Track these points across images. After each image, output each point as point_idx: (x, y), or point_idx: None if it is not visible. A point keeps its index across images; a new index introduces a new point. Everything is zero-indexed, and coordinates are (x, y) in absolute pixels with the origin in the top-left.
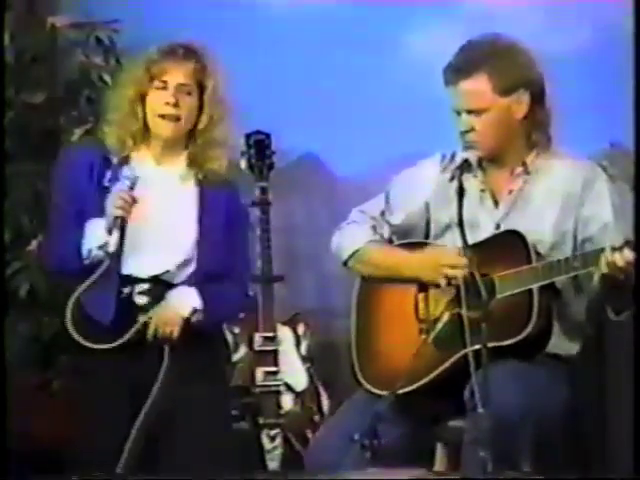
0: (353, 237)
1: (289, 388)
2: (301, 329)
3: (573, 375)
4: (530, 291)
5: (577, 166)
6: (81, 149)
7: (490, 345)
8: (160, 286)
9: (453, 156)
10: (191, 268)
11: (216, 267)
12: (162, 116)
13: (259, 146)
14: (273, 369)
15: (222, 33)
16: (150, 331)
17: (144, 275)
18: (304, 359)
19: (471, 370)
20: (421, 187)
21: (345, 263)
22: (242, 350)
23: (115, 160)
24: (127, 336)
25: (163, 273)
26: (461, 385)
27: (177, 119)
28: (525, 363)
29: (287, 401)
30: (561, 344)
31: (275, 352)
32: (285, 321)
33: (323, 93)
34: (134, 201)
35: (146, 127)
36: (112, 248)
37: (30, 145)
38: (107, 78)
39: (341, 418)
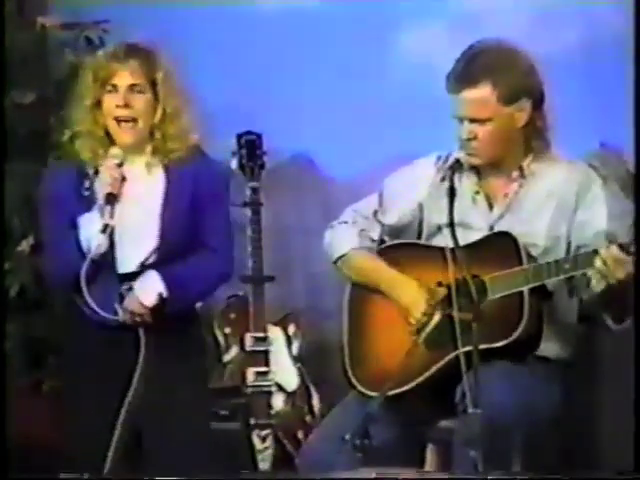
0: (341, 241)
1: (280, 388)
2: (292, 329)
3: (564, 376)
4: (521, 293)
5: (572, 170)
6: (57, 167)
7: (481, 347)
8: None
9: (448, 157)
10: (158, 254)
11: (183, 244)
12: (117, 119)
13: (250, 146)
14: (264, 369)
15: (214, 32)
16: (121, 320)
17: (131, 270)
18: (295, 359)
19: (462, 371)
20: (415, 187)
21: (334, 262)
22: (233, 350)
23: (91, 171)
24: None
25: (145, 259)
26: (452, 386)
27: (133, 120)
28: (516, 364)
29: (278, 401)
30: (552, 346)
31: (266, 352)
32: (276, 321)
33: (315, 93)
34: (123, 179)
35: (109, 132)
36: (110, 226)
37: (20, 145)
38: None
39: (332, 419)
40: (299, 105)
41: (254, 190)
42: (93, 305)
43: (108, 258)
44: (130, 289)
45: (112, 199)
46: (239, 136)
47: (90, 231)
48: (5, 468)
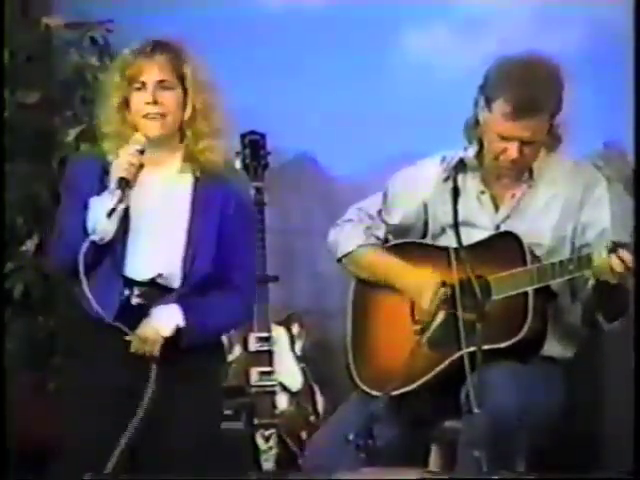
0: (347, 238)
1: (284, 388)
2: (296, 329)
3: (568, 376)
4: (525, 293)
5: (578, 170)
6: (84, 157)
7: (485, 347)
8: (156, 289)
9: (452, 158)
10: (182, 274)
11: (208, 273)
12: (145, 116)
13: (254, 146)
14: (268, 369)
15: (218, 32)
16: (132, 349)
17: (140, 278)
18: (299, 359)
19: (466, 372)
20: (420, 188)
21: (339, 260)
22: (237, 350)
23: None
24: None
25: (157, 277)
26: (456, 386)
27: (162, 116)
28: (520, 364)
29: (282, 401)
30: (556, 347)
31: (270, 352)
32: (280, 321)
33: (318, 93)
34: (141, 166)
35: (138, 130)
36: (117, 211)
37: (25, 145)
38: (102, 78)
39: (337, 419)
40: (303, 105)
41: (258, 190)
42: (88, 294)
43: (116, 254)
44: (147, 315)
45: (124, 184)
46: (243, 136)
47: (97, 214)
48: (6, 468)
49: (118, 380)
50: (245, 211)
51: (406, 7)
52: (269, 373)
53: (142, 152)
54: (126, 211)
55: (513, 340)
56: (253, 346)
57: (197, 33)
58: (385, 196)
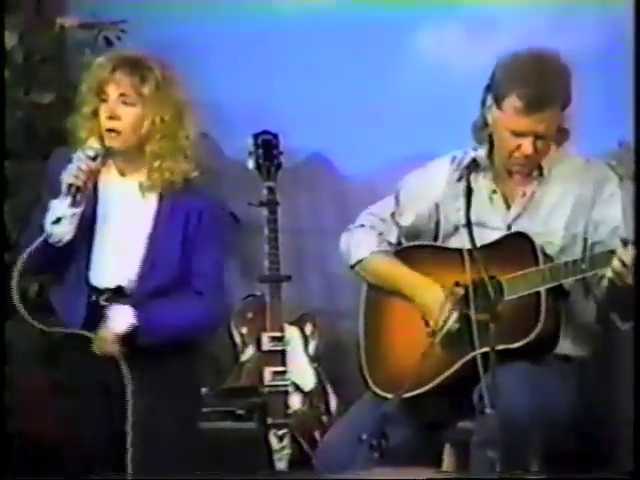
0: (359, 245)
1: (297, 388)
2: (309, 329)
3: (582, 376)
4: (538, 293)
5: (589, 167)
6: (63, 153)
7: (498, 347)
8: (122, 295)
9: (464, 157)
10: (142, 284)
11: (166, 285)
12: (106, 129)
13: (267, 146)
14: (281, 369)
15: (229, 33)
16: (95, 350)
17: (103, 287)
18: (312, 359)
19: (480, 372)
20: (431, 188)
21: (352, 267)
22: (250, 350)
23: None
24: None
25: (116, 288)
26: (469, 386)
27: (120, 132)
28: (534, 364)
29: (295, 401)
30: (569, 346)
31: (283, 352)
32: (293, 321)
33: (331, 93)
34: (91, 172)
35: None
36: (68, 217)
37: (38, 145)
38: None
39: (350, 418)
40: (315, 105)
41: (270, 190)
42: (17, 302)
43: (80, 260)
44: (105, 318)
45: (74, 191)
46: (255, 136)
47: (50, 218)
48: (7, 468)
49: (95, 380)
50: (210, 224)
51: (419, 7)
52: (282, 373)
53: (94, 159)
54: (93, 218)
55: (526, 340)
56: (266, 346)
57: (210, 33)
58: (397, 198)
